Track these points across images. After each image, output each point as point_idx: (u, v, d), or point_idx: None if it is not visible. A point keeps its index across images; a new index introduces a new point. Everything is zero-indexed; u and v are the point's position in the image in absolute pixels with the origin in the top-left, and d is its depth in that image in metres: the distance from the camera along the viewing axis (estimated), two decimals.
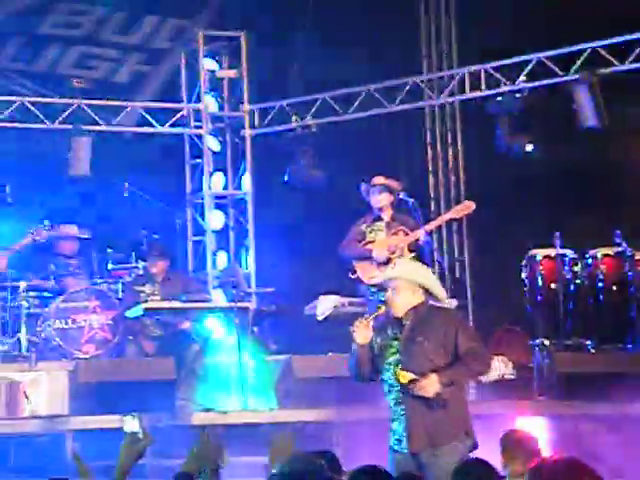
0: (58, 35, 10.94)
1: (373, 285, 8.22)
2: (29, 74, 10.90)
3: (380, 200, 8.31)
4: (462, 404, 5.55)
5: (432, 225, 8.46)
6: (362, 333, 5.48)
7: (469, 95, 10.13)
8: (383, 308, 5.57)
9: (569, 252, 9.03)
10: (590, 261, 9.01)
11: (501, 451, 4.89)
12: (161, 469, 7.24)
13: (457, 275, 10.60)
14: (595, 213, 9.66)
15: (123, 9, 11.18)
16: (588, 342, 8.83)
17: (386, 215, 8.36)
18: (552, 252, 8.96)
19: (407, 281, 5.52)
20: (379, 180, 8.34)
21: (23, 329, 9.03)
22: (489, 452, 5.38)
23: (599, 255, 9.00)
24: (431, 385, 5.35)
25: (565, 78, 9.47)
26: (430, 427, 5.40)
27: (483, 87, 9.95)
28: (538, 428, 7.49)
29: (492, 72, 9.87)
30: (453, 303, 9.82)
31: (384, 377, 5.53)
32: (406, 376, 5.38)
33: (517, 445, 4.83)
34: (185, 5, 11.31)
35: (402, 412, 5.46)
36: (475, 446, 5.52)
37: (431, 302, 5.61)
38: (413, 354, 5.45)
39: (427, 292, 5.57)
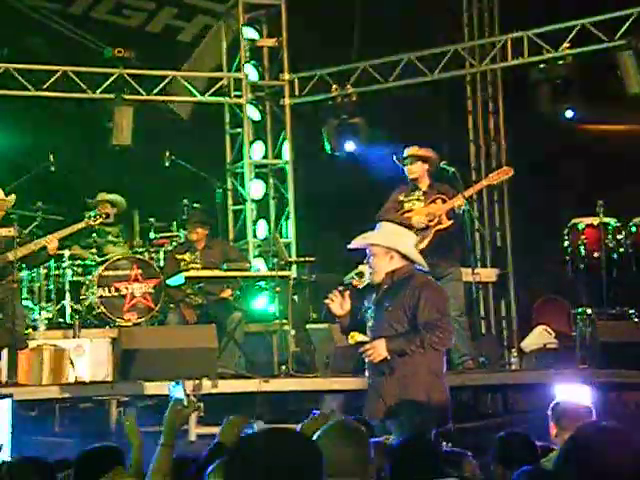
0: None
1: None
2: (65, 15, 11.01)
3: (412, 171, 8.26)
4: (428, 375, 5.32)
5: (470, 191, 8.36)
6: (338, 305, 5.41)
7: (511, 63, 10.01)
8: (360, 280, 5.49)
9: (612, 220, 8.92)
10: (634, 229, 8.89)
11: (552, 421, 4.81)
12: (203, 435, 7.32)
13: (498, 244, 10.53)
14: (639, 181, 9.54)
15: None
16: (631, 311, 8.75)
17: (423, 184, 8.30)
18: (595, 220, 8.86)
19: (382, 247, 5.40)
20: (409, 151, 8.28)
21: (67, 297, 9.15)
22: (531, 420, 5.35)
23: None
24: (376, 349, 5.23)
25: (610, 44, 9.32)
26: (387, 397, 5.26)
27: (526, 54, 9.82)
28: (580, 397, 7.44)
29: (535, 39, 9.74)
30: (494, 272, 9.82)
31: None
32: (355, 337, 5.33)
33: (568, 415, 4.75)
34: None
35: (368, 380, 5.43)
36: (445, 421, 5.28)
37: (417, 268, 5.45)
38: (379, 319, 5.36)
39: (403, 256, 5.42)
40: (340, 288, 5.49)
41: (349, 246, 5.70)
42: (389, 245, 5.39)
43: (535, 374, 8.23)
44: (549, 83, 9.58)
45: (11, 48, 10.14)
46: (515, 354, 8.79)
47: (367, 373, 5.47)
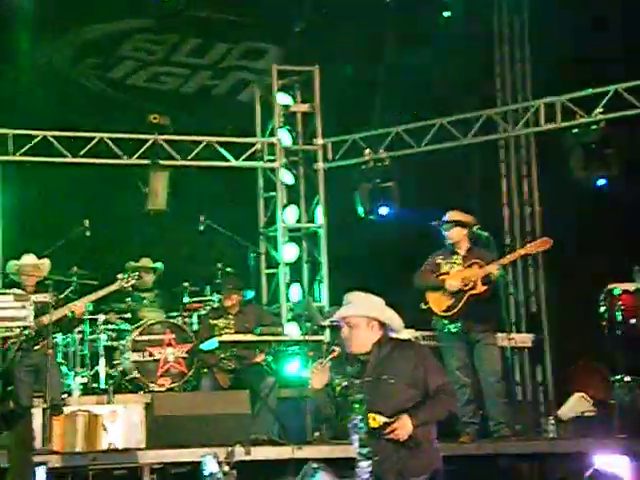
0: (134, 57, 11.34)
1: (445, 317, 8.20)
2: (105, 79, 11.33)
3: (451, 236, 8.29)
4: (431, 441, 5.27)
5: (506, 259, 8.35)
6: (319, 377, 5.27)
7: (544, 127, 10.04)
8: (338, 350, 5.38)
9: None
10: None
11: None
12: None
13: (533, 309, 10.46)
14: None
15: (198, 36, 11.52)
16: None
17: (461, 249, 8.32)
18: (631, 286, 8.78)
19: (363, 317, 5.25)
20: (449, 216, 8.31)
21: (101, 362, 9.17)
22: None
23: None
24: (404, 428, 5.11)
25: None
26: (397, 468, 5.17)
27: (559, 119, 9.85)
28: (619, 467, 7.32)
29: (568, 104, 9.77)
30: (529, 338, 9.73)
31: (347, 418, 5.27)
32: (377, 419, 5.13)
33: None
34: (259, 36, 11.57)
35: (368, 454, 5.22)
36: None
37: (392, 335, 5.32)
38: (379, 393, 5.22)
39: (382, 324, 5.29)
40: (321, 361, 5.35)
41: (329, 321, 5.59)
42: (373, 315, 5.27)
43: (573, 443, 8.10)
44: (582, 148, 9.58)
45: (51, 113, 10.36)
46: (552, 422, 8.67)
47: (362, 445, 5.24)
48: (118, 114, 10.93)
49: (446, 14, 10.58)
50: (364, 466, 5.26)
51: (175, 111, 10.83)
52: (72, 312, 8.13)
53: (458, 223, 8.26)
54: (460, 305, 8.14)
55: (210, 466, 3.96)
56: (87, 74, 11.29)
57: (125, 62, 11.41)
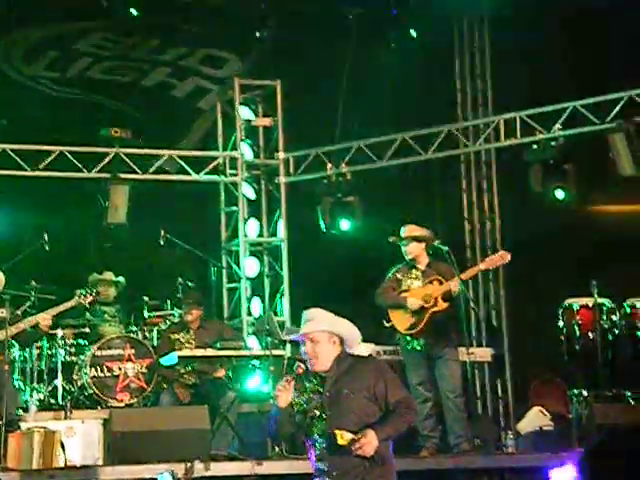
0: (91, 52, 11.24)
1: (410, 334, 8.21)
2: (61, 81, 11.20)
3: (409, 251, 8.30)
4: (389, 456, 5.29)
5: (467, 275, 8.36)
6: (285, 396, 5.26)
7: (504, 143, 10.12)
8: (303, 367, 5.38)
9: (607, 301, 8.92)
10: (628, 310, 8.91)
11: None
12: None
13: (493, 324, 10.51)
14: (632, 262, 9.57)
15: (157, 37, 11.44)
16: (627, 393, 8.69)
17: (421, 264, 8.32)
18: (589, 301, 8.87)
19: (325, 332, 5.27)
20: (405, 232, 8.32)
21: (59, 377, 9.08)
22: None
23: (638, 304, 8.89)
24: (371, 444, 5.12)
25: (601, 126, 9.44)
26: None
27: (518, 135, 9.94)
28: None
29: (527, 120, 9.87)
30: (489, 352, 9.77)
31: (306, 433, 5.28)
32: (345, 437, 5.12)
33: None
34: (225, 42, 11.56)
35: (325, 469, 5.22)
36: None
37: (349, 351, 5.33)
38: (340, 408, 5.22)
39: (341, 340, 5.29)
40: (287, 378, 5.33)
41: (290, 338, 5.64)
42: (334, 330, 5.29)
43: (532, 457, 8.15)
44: (541, 163, 9.67)
45: (10, 121, 10.26)
46: (511, 436, 8.71)
47: (319, 460, 5.22)
48: (77, 126, 10.83)
49: (413, 33, 10.67)
50: None
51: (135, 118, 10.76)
52: (33, 326, 8.04)
53: (415, 238, 8.28)
54: (422, 323, 8.16)
55: None
56: (40, 74, 11.10)
57: (81, 59, 11.24)
